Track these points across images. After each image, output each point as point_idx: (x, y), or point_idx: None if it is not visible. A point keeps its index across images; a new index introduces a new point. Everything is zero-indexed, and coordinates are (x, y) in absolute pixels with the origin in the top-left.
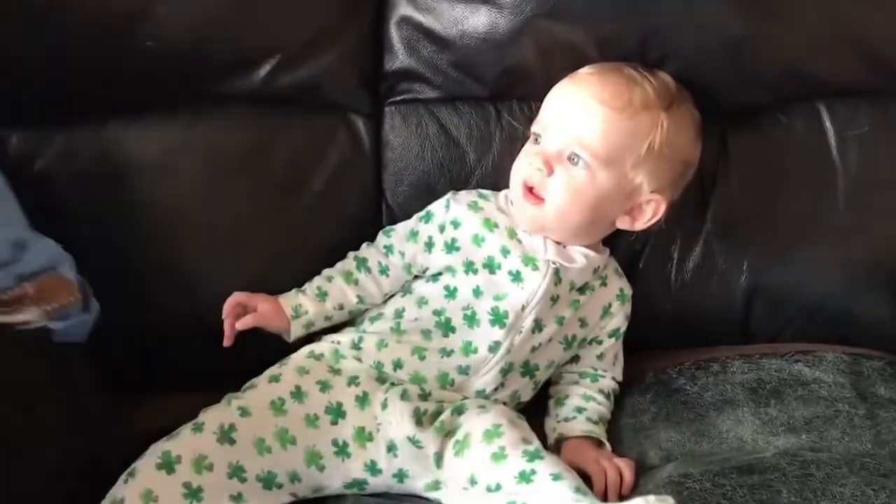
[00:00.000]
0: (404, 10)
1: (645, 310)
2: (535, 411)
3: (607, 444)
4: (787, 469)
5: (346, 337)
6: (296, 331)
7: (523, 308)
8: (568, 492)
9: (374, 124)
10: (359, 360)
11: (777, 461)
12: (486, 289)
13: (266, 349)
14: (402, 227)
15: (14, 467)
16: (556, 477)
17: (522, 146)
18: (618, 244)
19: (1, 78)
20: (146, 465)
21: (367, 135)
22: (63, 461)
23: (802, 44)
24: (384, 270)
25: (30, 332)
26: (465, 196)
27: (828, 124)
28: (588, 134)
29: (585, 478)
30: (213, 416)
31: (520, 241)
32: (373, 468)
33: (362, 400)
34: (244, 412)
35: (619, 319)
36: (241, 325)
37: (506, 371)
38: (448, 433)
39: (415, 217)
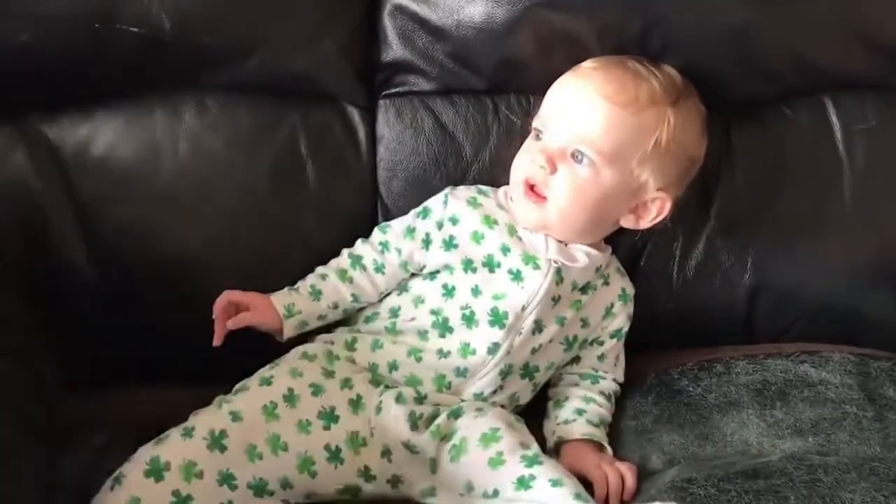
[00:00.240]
0: None
1: (646, 309)
2: (533, 414)
3: (608, 448)
4: (795, 474)
5: (339, 337)
6: (288, 331)
7: (523, 308)
8: (568, 498)
9: (370, 117)
10: (353, 361)
11: (784, 465)
12: (485, 288)
13: (258, 349)
14: (398, 224)
15: None
16: (555, 483)
17: (520, 141)
18: (619, 242)
19: None
20: (133, 471)
21: (362, 128)
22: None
23: (808, 33)
24: (380, 268)
25: None
26: (464, 192)
27: (834, 118)
28: (592, 131)
29: (586, 483)
30: (204, 421)
31: (520, 239)
32: (366, 474)
33: (356, 403)
34: (235, 417)
35: (621, 320)
36: (231, 324)
37: (505, 373)
38: (444, 437)
39: (412, 213)
